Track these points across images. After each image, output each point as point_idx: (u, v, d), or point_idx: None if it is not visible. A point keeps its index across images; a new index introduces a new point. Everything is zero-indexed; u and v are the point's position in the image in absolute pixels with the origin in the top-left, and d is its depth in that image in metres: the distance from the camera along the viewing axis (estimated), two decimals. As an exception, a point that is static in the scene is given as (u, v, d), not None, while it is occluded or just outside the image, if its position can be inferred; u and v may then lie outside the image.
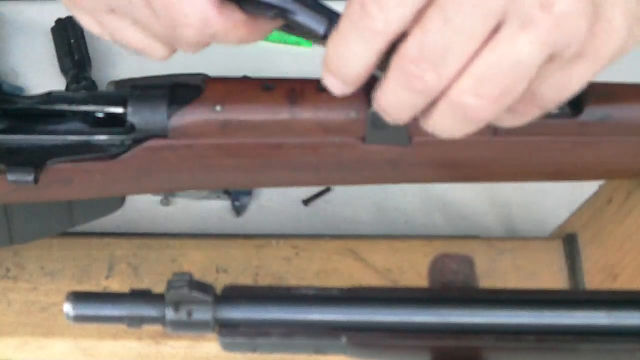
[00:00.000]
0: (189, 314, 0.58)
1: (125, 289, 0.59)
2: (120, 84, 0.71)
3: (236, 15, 0.55)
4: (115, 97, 0.70)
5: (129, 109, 0.69)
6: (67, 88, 1.04)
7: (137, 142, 0.69)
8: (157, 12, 0.55)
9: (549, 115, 0.67)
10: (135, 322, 0.58)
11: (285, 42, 1.10)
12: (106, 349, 0.83)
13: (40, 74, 1.08)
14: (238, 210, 0.98)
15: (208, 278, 0.60)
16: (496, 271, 0.87)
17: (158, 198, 0.98)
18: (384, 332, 0.59)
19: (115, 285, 0.86)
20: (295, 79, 0.69)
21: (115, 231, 0.92)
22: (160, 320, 0.58)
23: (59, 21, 1.09)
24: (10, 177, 0.69)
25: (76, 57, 1.06)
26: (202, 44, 0.58)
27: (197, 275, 0.58)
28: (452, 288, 0.61)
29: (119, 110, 0.69)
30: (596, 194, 0.85)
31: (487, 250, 0.89)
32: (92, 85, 1.05)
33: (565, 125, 0.68)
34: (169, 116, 0.68)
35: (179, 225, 0.97)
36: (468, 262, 0.62)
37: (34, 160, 0.69)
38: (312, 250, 0.89)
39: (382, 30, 0.49)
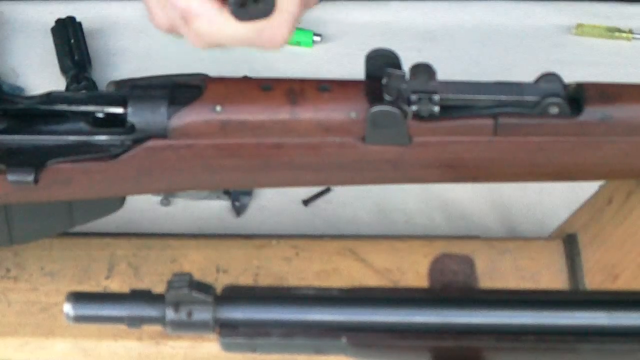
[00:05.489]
0: (189, 314, 0.58)
1: (125, 289, 0.59)
2: (120, 84, 0.71)
3: None
4: (115, 97, 0.70)
5: (129, 109, 0.69)
6: (67, 88, 1.04)
7: (137, 142, 0.69)
8: None
9: (549, 116, 0.68)
10: (135, 322, 0.58)
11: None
12: (106, 349, 0.83)
13: (40, 74, 1.07)
14: (238, 211, 0.98)
15: (208, 278, 0.59)
16: (496, 271, 0.87)
17: (158, 198, 0.98)
18: (384, 332, 0.59)
19: (115, 285, 0.86)
20: (295, 79, 0.69)
21: (115, 231, 0.92)
22: (161, 320, 0.58)
23: (59, 21, 1.09)
24: (10, 177, 0.69)
25: (76, 57, 1.06)
26: None
27: (197, 276, 0.58)
28: (452, 288, 0.61)
29: (119, 110, 0.69)
30: (596, 195, 0.85)
31: (487, 250, 0.89)
32: (92, 85, 1.05)
33: (565, 126, 0.68)
34: (169, 116, 0.68)
35: (179, 225, 0.97)
36: (468, 262, 0.62)
37: (34, 160, 0.69)
38: (312, 251, 0.89)
39: None
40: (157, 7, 0.61)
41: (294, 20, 0.57)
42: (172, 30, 0.63)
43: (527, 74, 0.69)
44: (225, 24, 0.55)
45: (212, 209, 0.98)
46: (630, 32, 1.12)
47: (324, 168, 0.71)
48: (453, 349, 0.58)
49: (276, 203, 0.99)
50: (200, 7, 0.55)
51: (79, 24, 1.09)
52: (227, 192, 0.98)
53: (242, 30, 0.56)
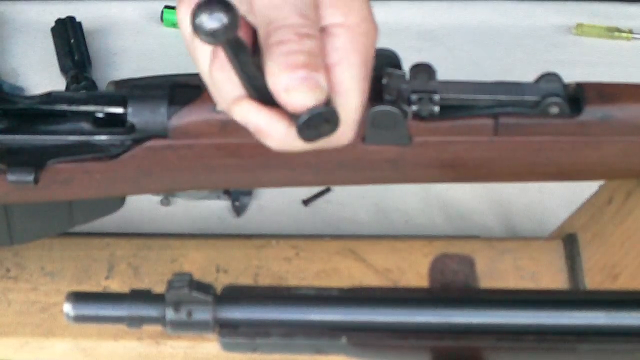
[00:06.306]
0: (189, 314, 0.58)
1: (125, 289, 0.59)
2: (120, 84, 0.71)
3: None
4: (115, 97, 0.70)
5: (129, 109, 0.69)
6: (67, 88, 1.04)
7: (137, 142, 0.69)
8: None
9: (549, 115, 0.68)
10: (136, 322, 0.58)
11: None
12: (106, 349, 0.83)
13: (40, 74, 1.07)
14: (238, 211, 0.98)
15: (208, 278, 0.59)
16: (496, 271, 0.87)
17: (158, 198, 0.98)
18: (384, 332, 0.59)
19: (115, 285, 0.86)
20: (295, 79, 0.69)
21: (115, 231, 0.92)
22: (161, 320, 0.58)
23: (59, 21, 1.09)
24: (11, 177, 0.69)
25: (76, 57, 1.06)
26: None
27: (197, 276, 0.58)
28: (452, 288, 0.61)
29: (119, 110, 0.69)
30: (596, 194, 0.85)
31: (487, 250, 0.89)
32: (92, 85, 1.05)
33: (565, 126, 0.68)
34: (169, 116, 0.68)
35: (179, 225, 0.97)
36: (468, 262, 0.62)
37: (34, 160, 0.69)
38: (312, 251, 0.89)
39: None
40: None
41: (357, 124, 0.58)
42: None
43: (527, 74, 0.69)
44: (294, 142, 0.56)
45: (212, 209, 0.98)
46: (630, 32, 1.12)
47: (324, 168, 0.70)
48: (453, 349, 0.58)
49: (276, 203, 0.99)
50: (268, 128, 0.56)
51: (79, 24, 1.09)
52: (227, 192, 0.98)
53: (310, 145, 0.57)
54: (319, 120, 0.55)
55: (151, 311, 0.58)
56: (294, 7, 0.55)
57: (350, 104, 0.57)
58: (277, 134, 0.57)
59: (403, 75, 0.67)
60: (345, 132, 0.58)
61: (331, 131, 0.56)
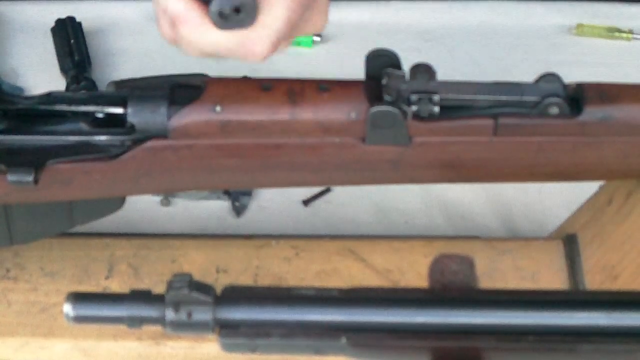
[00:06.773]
0: (189, 314, 0.58)
1: (125, 290, 0.59)
2: (120, 84, 0.71)
3: None
4: (115, 97, 0.70)
5: (129, 110, 0.69)
6: (67, 88, 1.04)
7: (137, 142, 0.69)
8: None
9: (549, 116, 0.68)
10: (135, 322, 0.58)
11: (285, 42, 1.10)
12: (106, 349, 0.83)
13: (40, 74, 1.07)
14: (238, 211, 0.98)
15: (208, 278, 0.60)
16: (496, 272, 0.87)
17: (158, 198, 0.98)
18: (384, 332, 0.59)
19: (115, 285, 0.86)
20: (294, 79, 0.69)
21: (115, 231, 0.92)
22: (160, 321, 0.58)
23: (59, 21, 1.09)
24: (11, 177, 0.69)
25: (76, 57, 1.06)
26: None
27: (197, 276, 0.58)
28: (452, 288, 0.61)
29: (119, 110, 0.69)
30: (596, 195, 0.85)
31: (487, 250, 0.89)
32: (92, 85, 1.05)
33: (565, 126, 0.68)
34: (169, 117, 0.68)
35: (179, 226, 0.97)
36: (468, 262, 0.62)
37: (34, 160, 0.69)
38: (312, 251, 0.89)
39: None
40: (161, 18, 0.63)
41: (276, 37, 0.60)
42: (174, 42, 0.65)
43: (527, 74, 0.69)
44: (208, 31, 0.58)
45: (212, 209, 0.98)
46: (630, 32, 1.12)
47: (323, 168, 0.71)
48: (453, 349, 0.58)
49: (276, 203, 0.99)
50: (186, 13, 0.58)
51: (79, 24, 1.09)
52: (227, 192, 0.98)
53: (223, 38, 0.58)
54: (233, 4, 0.57)
55: (151, 311, 0.58)
56: None
57: (275, 11, 0.59)
58: (193, 20, 0.58)
59: (403, 76, 0.67)
60: (261, 39, 0.59)
61: (245, 22, 0.57)
